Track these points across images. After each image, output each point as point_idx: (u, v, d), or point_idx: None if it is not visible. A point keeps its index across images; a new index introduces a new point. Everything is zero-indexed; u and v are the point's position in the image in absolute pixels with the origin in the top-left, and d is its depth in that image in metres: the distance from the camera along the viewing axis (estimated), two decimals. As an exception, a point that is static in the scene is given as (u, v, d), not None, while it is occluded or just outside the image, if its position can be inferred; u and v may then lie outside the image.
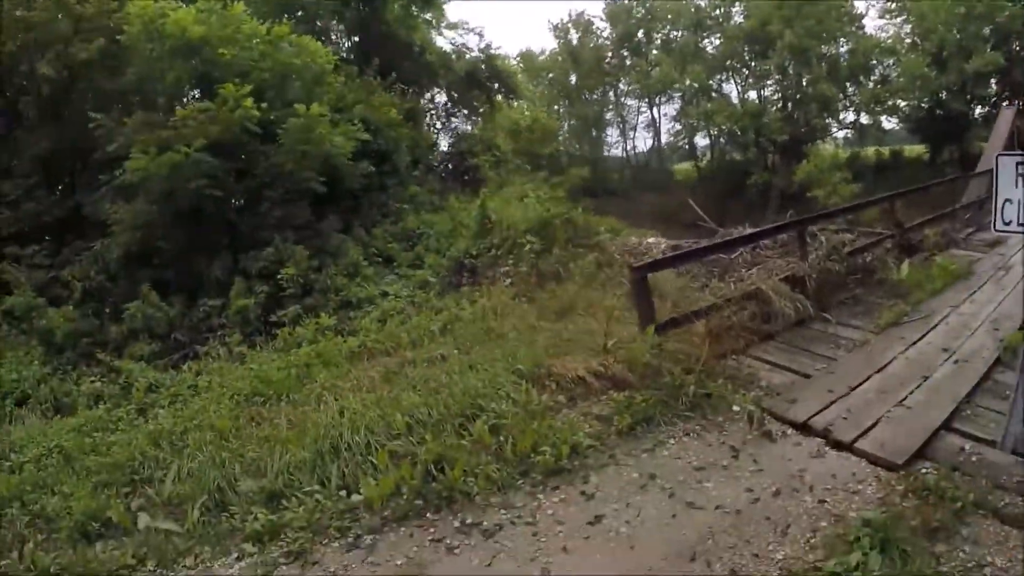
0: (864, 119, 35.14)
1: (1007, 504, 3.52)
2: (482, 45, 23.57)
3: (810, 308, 6.60)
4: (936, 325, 6.40)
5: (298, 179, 12.82)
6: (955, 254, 9.37)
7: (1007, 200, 3.67)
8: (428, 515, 3.83)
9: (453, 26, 23.59)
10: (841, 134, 37.51)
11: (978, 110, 30.62)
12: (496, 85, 23.62)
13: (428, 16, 22.57)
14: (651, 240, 13.76)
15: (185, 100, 13.78)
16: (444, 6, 22.79)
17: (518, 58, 38.78)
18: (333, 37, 20.88)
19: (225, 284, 11.76)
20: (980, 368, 5.25)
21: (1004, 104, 18.23)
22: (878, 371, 5.38)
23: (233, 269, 12.15)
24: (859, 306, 7.22)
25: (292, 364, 7.73)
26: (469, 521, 3.71)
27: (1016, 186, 3.61)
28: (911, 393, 4.92)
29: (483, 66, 22.90)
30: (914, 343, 5.98)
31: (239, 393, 6.88)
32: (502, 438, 4.30)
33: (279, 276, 11.60)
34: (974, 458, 3.97)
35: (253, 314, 10.95)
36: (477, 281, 10.85)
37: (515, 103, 28.08)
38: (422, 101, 22.79)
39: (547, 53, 39.94)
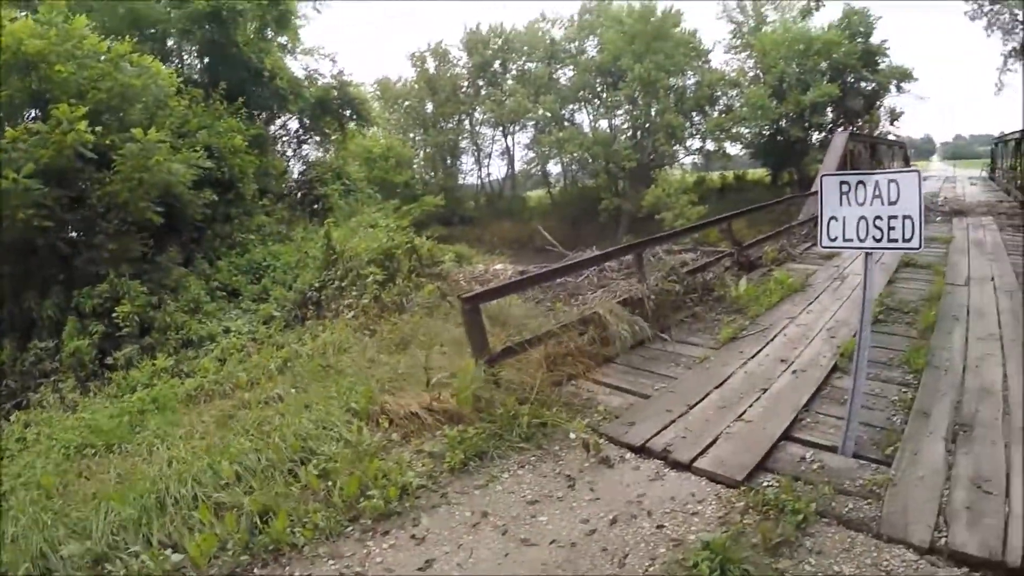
0: (710, 146, 44.54)
1: (851, 509, 4.02)
2: (335, 71, 27.12)
3: (647, 329, 7.57)
4: (774, 337, 7.50)
5: (135, 209, 13.52)
6: (792, 268, 11.22)
7: (832, 218, 4.62)
8: (255, 571, 4.01)
9: (308, 51, 26.83)
10: (688, 160, 46.59)
11: (815, 136, 40.07)
12: (349, 112, 27.03)
13: (283, 40, 25.44)
14: (498, 267, 16.22)
15: (20, 121, 14.19)
16: (299, 31, 25.83)
17: (375, 85, 44.77)
18: (185, 58, 23.10)
19: (59, 323, 12.44)
20: (818, 376, 6.15)
21: (839, 130, 23.47)
22: (717, 387, 6.07)
23: (67, 307, 12.70)
24: (699, 324, 8.32)
25: (125, 411, 8.49)
26: (296, 575, 3.93)
27: (840, 204, 4.57)
28: (750, 406, 5.56)
29: (336, 92, 26.21)
30: (753, 356, 6.88)
31: (69, 445, 7.37)
32: (330, 483, 4.63)
33: (114, 314, 12.28)
34: (816, 466, 4.56)
35: (87, 356, 11.75)
36: (322, 314, 12.36)
37: (369, 131, 32.39)
38: (273, 128, 25.72)
39: (404, 81, 46.60)
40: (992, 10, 38.18)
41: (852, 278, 10.25)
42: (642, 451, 5.04)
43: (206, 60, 22.81)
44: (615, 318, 7.43)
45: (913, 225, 4.38)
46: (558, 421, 5.53)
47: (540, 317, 8.52)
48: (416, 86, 45.98)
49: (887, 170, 4.79)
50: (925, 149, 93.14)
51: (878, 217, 4.50)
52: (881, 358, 6.69)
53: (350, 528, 4.32)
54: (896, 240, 4.47)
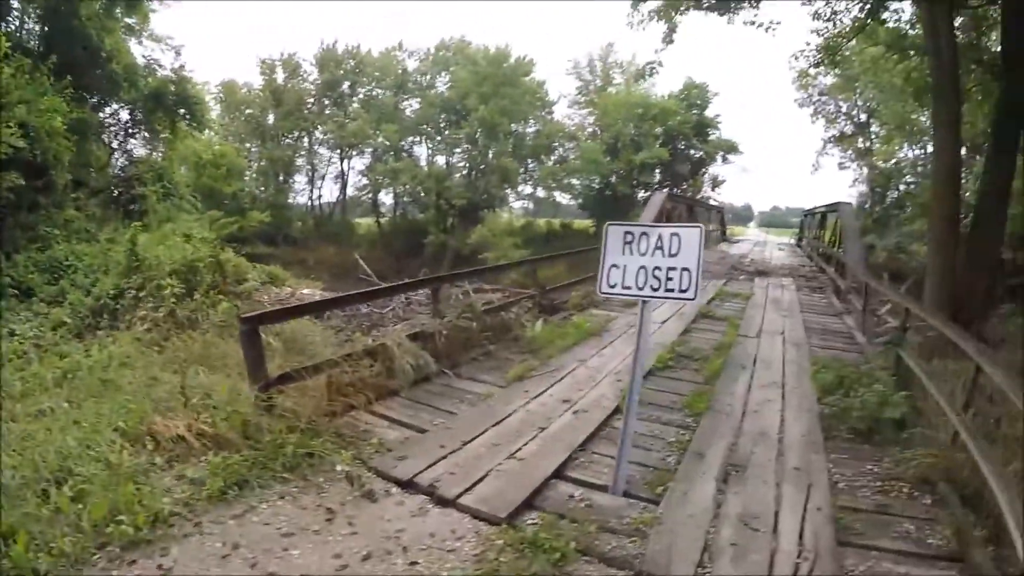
0: (541, 193, 46.40)
1: (614, 547, 4.04)
2: (177, 64, 25.01)
3: (432, 364, 7.53)
4: (562, 378, 7.60)
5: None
6: (595, 314, 11.56)
7: (613, 265, 4.81)
8: (-13, 600, 3.48)
9: (158, 38, 24.66)
10: (519, 204, 47.96)
11: (641, 193, 41.56)
12: (183, 111, 25.01)
13: (132, 21, 23.38)
14: (306, 291, 16.28)
15: None
16: (151, 14, 23.91)
17: (219, 87, 42.85)
18: (25, 21, 20.87)
19: None
20: (599, 417, 6.24)
21: (659, 189, 25.13)
22: (495, 424, 6.03)
23: None
24: (491, 362, 8.36)
25: None
26: (33, 604, 3.43)
27: (623, 253, 4.78)
28: (525, 445, 5.53)
29: (173, 87, 24.11)
30: (537, 396, 6.91)
31: None
32: (82, 506, 4.24)
33: None
34: (583, 504, 4.58)
35: None
36: (116, 324, 11.90)
37: (203, 134, 30.44)
38: (101, 115, 23.47)
39: (250, 89, 44.74)
40: (820, 100, 43.02)
41: (651, 326, 10.49)
42: (409, 486, 4.88)
43: (45, 28, 20.82)
44: (402, 351, 7.29)
45: (690, 277, 4.59)
46: (326, 452, 5.32)
47: (339, 346, 8.35)
48: (261, 95, 44.54)
49: (671, 224, 5.10)
50: (744, 215, 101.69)
51: (657, 268, 4.70)
52: (665, 402, 6.90)
53: (98, 556, 4.01)
54: (673, 290, 4.67)
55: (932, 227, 12.41)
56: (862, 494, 5.00)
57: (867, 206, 34.36)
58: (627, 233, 4.88)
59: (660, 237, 4.73)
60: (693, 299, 4.65)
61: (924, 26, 12.73)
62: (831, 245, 21.06)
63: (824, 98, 43.43)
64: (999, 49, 13.91)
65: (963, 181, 15.39)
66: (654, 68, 16.80)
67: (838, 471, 5.39)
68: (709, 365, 8.25)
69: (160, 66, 24.72)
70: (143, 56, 24.52)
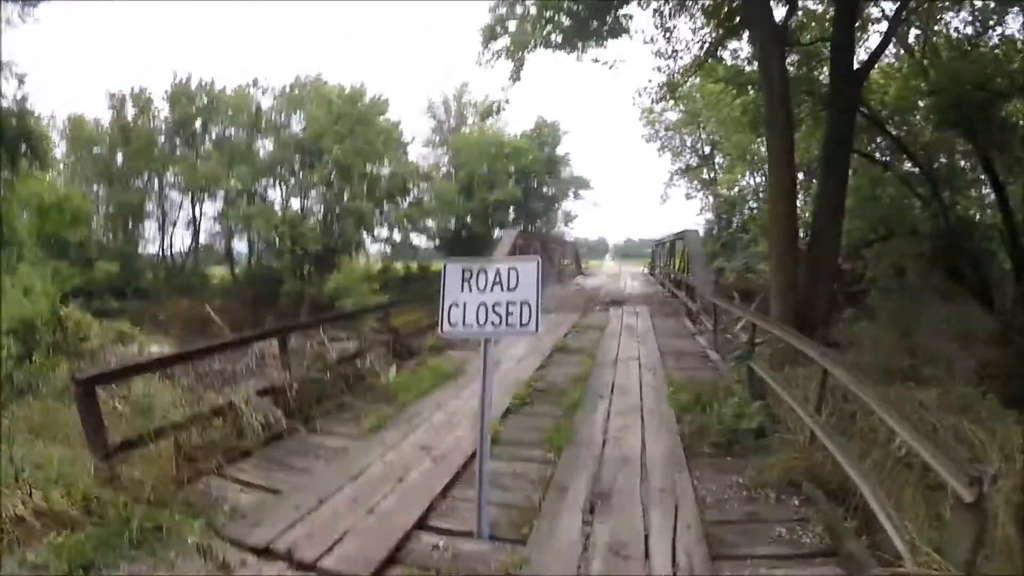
0: (397, 236, 45.58)
1: None
2: (19, 95, 22.80)
3: (283, 421, 7.13)
4: (420, 424, 7.38)
5: None
6: (451, 356, 11.41)
7: (453, 304, 4.81)
8: None
9: (1, 64, 21.81)
10: (375, 248, 46.93)
11: (497, 232, 41.84)
12: (25, 147, 22.92)
13: None
14: (155, 349, 15.53)
15: None
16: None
17: (67, 122, 39.61)
18: None
19: None
20: (459, 461, 6.07)
21: (510, 228, 25.58)
22: (353, 479, 5.77)
23: None
24: (346, 413, 8.02)
25: None
26: None
27: (461, 291, 4.79)
28: (384, 497, 5.31)
29: (14, 121, 22.00)
30: (394, 445, 6.66)
31: None
32: None
33: None
34: (448, 553, 4.45)
35: None
36: None
37: (47, 174, 27.92)
38: None
39: (99, 125, 41.21)
40: (665, 135, 45.43)
41: (507, 363, 10.60)
42: (266, 553, 4.58)
43: None
44: (251, 409, 6.96)
45: (531, 310, 4.65)
46: (176, 524, 4.91)
47: (189, 406, 7.70)
48: (109, 133, 41.35)
49: (508, 258, 5.17)
50: (599, 249, 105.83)
51: (497, 303, 4.74)
52: (525, 439, 6.79)
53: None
54: (514, 325, 4.70)
55: (773, 246, 13.16)
56: (730, 506, 5.09)
57: (714, 232, 36.36)
58: (465, 270, 4.88)
59: (498, 272, 4.76)
60: (535, 331, 4.68)
61: (759, 63, 13.68)
62: (680, 271, 21.97)
63: (669, 132, 45.86)
64: (828, 82, 15.21)
65: (800, 203, 16.47)
66: (501, 106, 17.05)
67: (704, 487, 5.45)
68: (567, 397, 8.23)
69: (1, 95, 22.61)
70: (-19, 84, 21.74)
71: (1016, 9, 16.07)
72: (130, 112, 41.52)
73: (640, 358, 11.02)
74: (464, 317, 4.81)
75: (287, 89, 44.53)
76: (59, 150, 38.81)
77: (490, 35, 15.57)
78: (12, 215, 22.21)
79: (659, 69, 17.53)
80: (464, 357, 11.09)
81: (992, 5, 16.29)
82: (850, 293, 18.61)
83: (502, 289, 4.70)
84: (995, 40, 16.82)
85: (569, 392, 8.52)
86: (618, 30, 15.47)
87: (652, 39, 16.57)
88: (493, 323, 4.71)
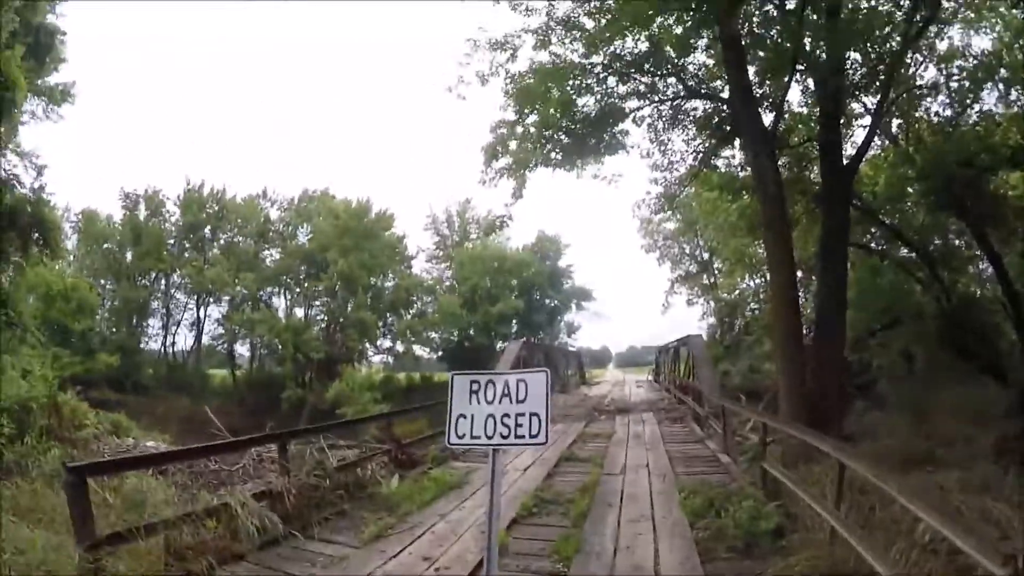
0: (400, 347, 45.80)
1: None
2: (37, 184, 22.63)
3: (279, 526, 6.91)
4: (421, 535, 7.08)
5: None
6: (454, 466, 11.07)
7: (460, 415, 4.61)
8: None
9: (22, 154, 22.39)
10: (378, 358, 47.05)
11: (500, 344, 42.39)
12: (38, 235, 22.29)
13: None
14: (150, 444, 15.46)
15: None
16: (21, 127, 21.73)
17: (79, 215, 40.67)
18: None
19: None
20: (462, 573, 5.87)
21: (514, 339, 25.60)
22: None
23: None
24: (345, 521, 7.72)
25: None
26: None
27: (469, 403, 4.62)
28: None
29: (29, 208, 21.62)
30: (395, 555, 6.41)
31: None
32: None
33: None
34: None
35: None
36: None
37: (56, 264, 27.99)
38: None
39: (111, 222, 42.45)
40: (664, 244, 46.33)
41: (512, 473, 10.27)
42: None
43: None
44: (246, 511, 6.73)
45: (539, 422, 4.43)
46: None
47: (182, 505, 7.65)
48: (121, 230, 42.33)
49: (516, 370, 5.02)
50: (602, 358, 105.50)
51: (506, 415, 4.53)
52: (531, 550, 6.48)
53: None
54: (523, 436, 4.47)
55: (778, 344, 13.08)
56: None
57: (718, 335, 36.35)
58: (473, 382, 4.71)
59: (507, 384, 4.60)
60: (544, 443, 4.47)
61: (752, 168, 13.98)
62: (686, 376, 21.73)
63: (668, 242, 46.90)
64: (820, 179, 15.60)
65: (802, 299, 16.48)
66: (504, 222, 17.31)
67: (724, 594, 5.03)
68: (575, 507, 7.89)
69: (20, 183, 22.48)
70: (3, 170, 22.14)
71: (989, 85, 16.79)
72: (142, 212, 42.66)
73: (649, 464, 10.70)
74: (472, 428, 4.62)
75: (295, 201, 45.85)
76: (70, 242, 38.99)
77: (492, 155, 15.92)
78: (19, 299, 21.90)
79: (656, 181, 17.87)
80: (468, 468, 10.80)
81: (968, 85, 16.82)
82: (860, 385, 18.35)
83: (511, 401, 4.53)
84: (974, 118, 17.34)
85: (577, 501, 8.17)
86: (615, 146, 15.87)
87: (648, 153, 16.96)
88: (501, 435, 4.52)
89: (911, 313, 19.86)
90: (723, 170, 17.98)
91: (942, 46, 17.04)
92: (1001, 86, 17.14)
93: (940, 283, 19.22)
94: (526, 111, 15.33)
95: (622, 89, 15.54)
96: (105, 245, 42.15)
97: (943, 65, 17.23)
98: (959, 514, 5.98)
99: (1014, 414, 13.71)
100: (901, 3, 14.31)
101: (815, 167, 16.99)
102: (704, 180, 18.56)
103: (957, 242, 20.56)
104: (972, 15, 16.56)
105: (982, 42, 17.41)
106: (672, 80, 15.73)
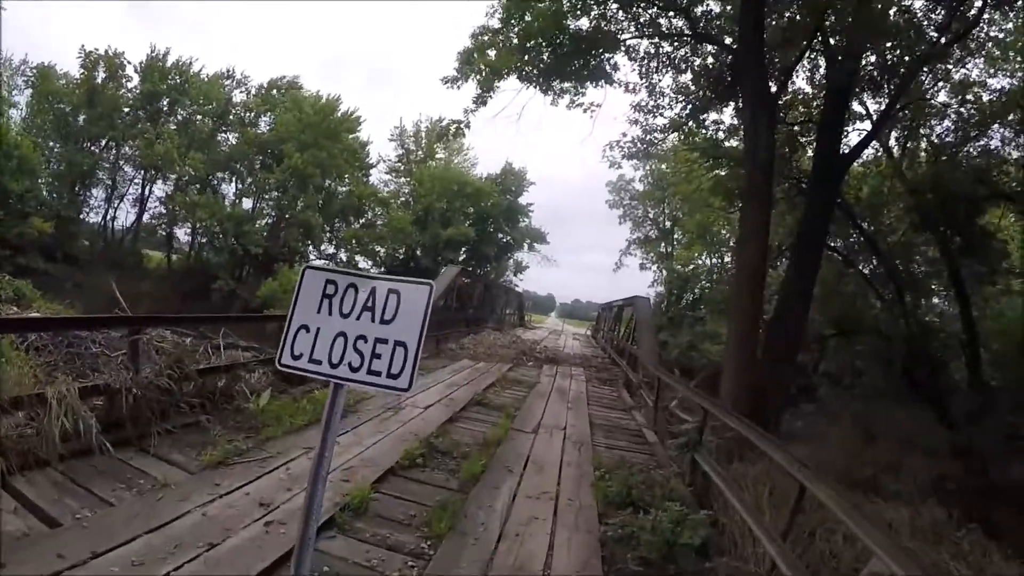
0: (343, 255, 43.83)
1: None
2: None
3: (93, 431, 5.48)
4: (272, 470, 5.67)
5: None
6: (349, 389, 10.21)
7: (303, 327, 3.25)
8: None
9: None
10: (320, 263, 46.19)
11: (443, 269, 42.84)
12: None
13: None
14: (36, 314, 13.92)
15: None
16: None
17: (34, 70, 37.43)
18: None
19: None
20: (294, 533, 4.86)
21: (450, 262, 24.13)
22: (152, 530, 4.29)
23: None
24: (195, 436, 6.38)
25: None
26: None
27: (318, 310, 3.30)
28: (179, 568, 3.87)
29: None
30: (228, 492, 5.05)
31: None
32: None
33: None
34: None
35: None
36: None
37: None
38: None
39: (69, 79, 38.72)
40: (629, 204, 45.25)
41: (410, 410, 8.89)
42: None
43: None
44: (63, 407, 5.33)
45: (406, 357, 3.09)
46: None
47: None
48: (77, 90, 38.57)
49: (391, 276, 3.39)
50: (546, 305, 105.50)
51: (362, 337, 3.16)
52: (398, 514, 5.13)
53: None
54: (379, 373, 3.09)
55: (733, 324, 11.92)
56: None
57: (664, 306, 35.63)
58: (329, 282, 3.31)
59: (373, 293, 3.21)
60: (406, 389, 3.08)
61: (745, 130, 12.62)
62: (625, 339, 20.68)
63: (634, 202, 45.83)
64: (811, 167, 14.84)
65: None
66: (460, 129, 15.46)
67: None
68: (469, 466, 6.50)
69: None
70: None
71: (997, 124, 16.18)
72: (101, 74, 39.03)
73: (566, 427, 9.32)
74: (313, 348, 3.21)
75: (263, 88, 42.86)
76: (22, 97, 36.99)
77: (466, 60, 14.36)
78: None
79: (636, 122, 16.20)
80: (370, 392, 9.32)
81: (977, 117, 16.15)
82: (801, 386, 17.60)
83: (373, 318, 3.15)
84: (974, 152, 16.83)
85: (474, 458, 6.77)
86: (599, 75, 14.32)
87: (634, 88, 15.33)
88: (350, 365, 3.13)
89: (868, 327, 19.10)
90: (709, 134, 16.68)
91: (957, 75, 16.18)
92: (1008, 131, 16.54)
93: (902, 304, 18.42)
94: (513, 20, 13.66)
95: (622, 16, 13.94)
96: (58, 105, 38.60)
97: (957, 93, 16.44)
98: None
99: (953, 455, 13.15)
100: (936, 12, 13.37)
101: (805, 152, 16.52)
102: (686, 137, 17.23)
103: (927, 270, 19.93)
104: (998, 52, 15.85)
105: (999, 82, 16.61)
106: (678, 22, 14.31)
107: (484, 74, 14.09)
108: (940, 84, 16.36)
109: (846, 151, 14.49)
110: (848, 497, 4.12)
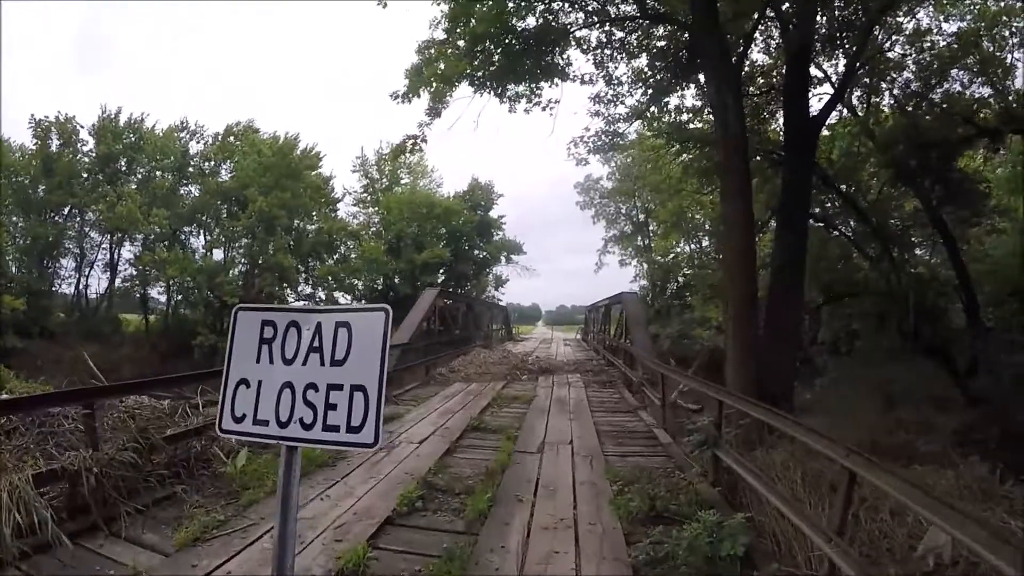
0: (321, 293, 42.71)
1: None
2: None
3: (50, 525, 4.81)
4: (255, 541, 5.01)
5: None
6: None
7: (242, 381, 2.59)
8: None
9: None
10: (299, 305, 45.02)
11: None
12: None
13: None
14: (4, 396, 12.96)
15: None
16: None
17: None
18: None
19: None
20: None
21: (428, 286, 23.63)
22: None
23: None
24: (172, 511, 5.71)
25: None
26: None
27: (257, 358, 2.61)
28: None
29: None
30: (208, 573, 4.43)
31: None
32: None
33: None
34: None
35: None
36: None
37: None
38: None
39: (24, 151, 37.42)
40: (601, 203, 44.90)
41: (403, 448, 8.16)
42: None
43: None
44: (15, 500, 4.75)
45: (366, 404, 2.40)
46: None
47: None
48: (33, 161, 37.41)
49: (341, 307, 2.70)
50: (532, 315, 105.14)
51: (312, 386, 2.51)
52: (403, 571, 4.47)
53: None
54: (336, 428, 2.43)
55: (729, 306, 11.36)
56: None
57: (649, 298, 35.21)
58: (266, 324, 2.66)
59: (319, 330, 2.55)
60: (371, 445, 2.40)
61: (713, 105, 12.15)
62: (617, 337, 20.10)
63: (604, 200, 45.52)
64: (781, 137, 14.70)
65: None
66: (417, 144, 14.80)
67: None
68: (474, 501, 5.80)
69: None
70: None
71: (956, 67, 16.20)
72: (55, 142, 37.99)
73: (573, 440, 8.65)
74: (256, 407, 2.57)
75: (219, 136, 41.99)
76: None
77: (415, 75, 13.76)
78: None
79: (598, 114, 15.65)
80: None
81: (935, 65, 16.17)
82: (801, 359, 17.14)
83: (322, 360, 2.50)
84: (937, 99, 16.74)
85: (478, 493, 6.07)
86: (553, 72, 13.81)
87: (592, 79, 14.80)
88: (302, 422, 2.48)
89: (859, 288, 18.77)
90: (672, 118, 16.25)
91: (909, 26, 16.04)
92: (965, 74, 16.73)
93: (891, 260, 18.06)
94: (459, 28, 13.12)
95: (568, 7, 13.46)
96: (16, 178, 37.22)
97: (912, 43, 16.28)
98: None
99: (971, 403, 12.66)
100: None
101: (771, 124, 16.47)
102: (650, 124, 16.78)
103: (908, 224, 19.73)
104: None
105: (950, 27, 16.63)
106: (627, 8, 13.86)
107: (435, 86, 13.47)
108: (894, 37, 16.10)
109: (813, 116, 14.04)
110: (904, 477, 3.54)
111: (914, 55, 16.37)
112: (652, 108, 15.58)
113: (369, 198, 48.04)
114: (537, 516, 5.54)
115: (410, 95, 13.55)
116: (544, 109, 14.57)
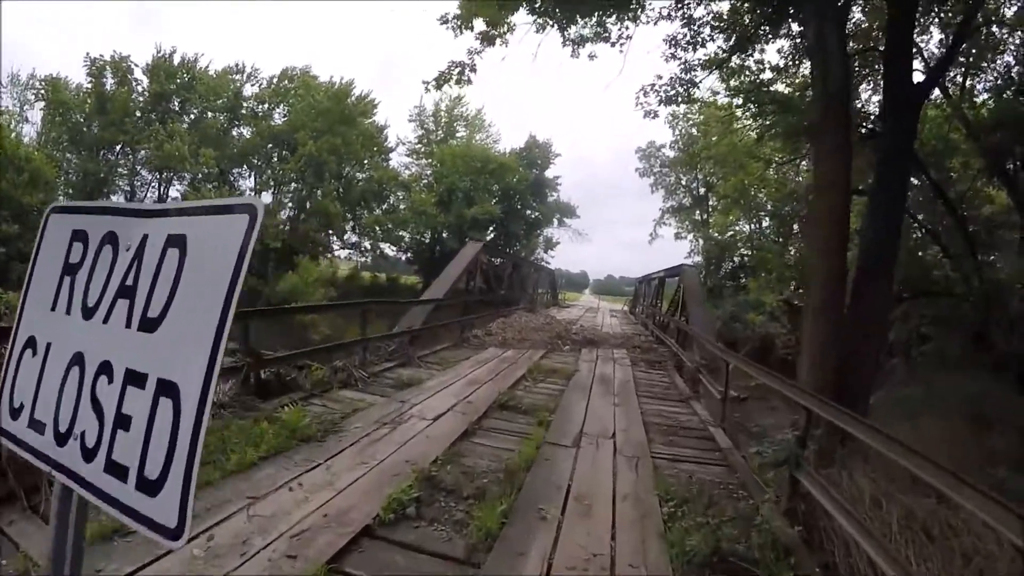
0: (367, 243, 42.37)
1: None
2: None
3: None
4: (200, 533, 3.73)
5: None
6: (343, 397, 7.66)
7: (30, 342, 1.56)
8: None
9: None
10: (344, 253, 43.66)
11: None
12: None
13: None
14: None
15: None
16: None
17: (42, 82, 36.45)
18: None
19: None
20: None
21: (471, 240, 22.28)
22: None
23: None
24: None
25: None
26: None
27: (54, 302, 1.56)
28: None
29: None
30: (141, 567, 3.25)
31: None
32: None
33: None
34: None
35: None
36: None
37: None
38: None
39: (79, 89, 37.68)
40: (660, 172, 42.95)
41: (413, 424, 6.76)
42: None
43: None
44: None
45: (174, 427, 1.27)
46: None
47: None
48: (88, 100, 37.42)
49: (193, 203, 1.49)
50: (579, 282, 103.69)
51: (106, 369, 1.36)
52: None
53: None
54: (122, 472, 1.30)
55: (814, 287, 9.75)
56: None
57: (703, 276, 33.54)
58: (76, 237, 1.50)
59: (140, 252, 1.40)
60: (173, 535, 1.18)
61: (811, 51, 10.76)
62: (670, 313, 18.53)
63: (665, 170, 43.75)
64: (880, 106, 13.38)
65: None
66: (465, 73, 13.24)
67: None
68: (484, 515, 4.27)
69: None
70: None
71: None
72: (109, 80, 37.75)
73: (615, 434, 7.15)
74: (37, 394, 1.47)
75: (274, 79, 41.37)
76: (35, 112, 36.61)
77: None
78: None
79: (673, 56, 13.91)
80: (357, 403, 7.36)
81: None
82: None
83: (129, 315, 1.36)
84: None
85: (490, 499, 4.63)
86: (625, 4, 12.14)
87: (669, 15, 13.06)
88: (83, 442, 1.34)
89: (938, 288, 16.91)
90: (753, 76, 14.48)
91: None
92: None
93: (974, 259, 16.13)
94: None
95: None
96: (70, 115, 37.49)
97: (1013, 29, 14.80)
98: None
99: None
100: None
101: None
102: (728, 77, 14.98)
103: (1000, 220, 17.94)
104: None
105: None
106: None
107: (492, 16, 11.97)
108: (992, 18, 14.42)
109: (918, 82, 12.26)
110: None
111: (1018, 39, 14.82)
112: (734, 58, 13.75)
113: (423, 149, 46.83)
114: (562, 545, 4.08)
115: (462, 25, 12.01)
116: (613, 45, 12.99)
